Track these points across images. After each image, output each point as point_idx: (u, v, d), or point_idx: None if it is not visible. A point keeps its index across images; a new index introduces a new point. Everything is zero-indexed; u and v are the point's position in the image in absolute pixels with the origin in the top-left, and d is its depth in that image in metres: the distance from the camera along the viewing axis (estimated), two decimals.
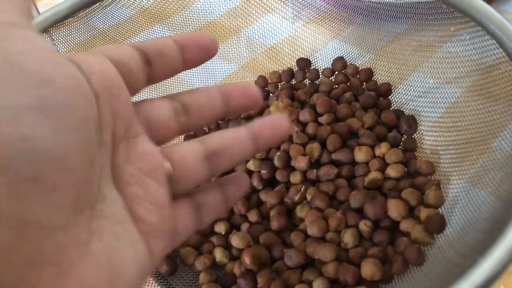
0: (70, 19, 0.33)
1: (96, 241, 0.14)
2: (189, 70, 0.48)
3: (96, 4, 0.35)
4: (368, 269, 0.26)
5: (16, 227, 0.11)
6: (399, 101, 0.38)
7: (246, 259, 0.29)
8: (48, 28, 0.32)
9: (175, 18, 0.50)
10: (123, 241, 0.15)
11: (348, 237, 0.28)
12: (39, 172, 0.12)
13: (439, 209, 0.29)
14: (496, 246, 0.16)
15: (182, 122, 0.19)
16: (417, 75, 0.37)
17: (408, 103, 0.38)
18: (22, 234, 0.11)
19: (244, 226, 0.33)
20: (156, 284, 0.32)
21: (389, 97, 0.39)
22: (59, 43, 0.35)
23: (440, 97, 0.35)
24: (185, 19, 0.50)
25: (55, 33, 0.34)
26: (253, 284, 0.29)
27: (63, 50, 0.36)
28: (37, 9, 0.40)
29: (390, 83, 0.39)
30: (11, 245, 0.11)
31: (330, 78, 0.42)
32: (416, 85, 0.38)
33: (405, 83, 0.38)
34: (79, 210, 0.13)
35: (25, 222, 0.11)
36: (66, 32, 0.36)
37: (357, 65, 0.41)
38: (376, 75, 0.40)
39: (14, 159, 0.11)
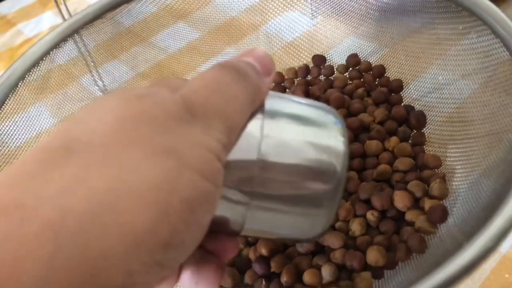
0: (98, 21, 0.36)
1: None
2: (208, 64, 0.50)
3: (122, 6, 0.37)
4: (373, 255, 0.28)
5: None
6: (411, 97, 0.40)
7: (263, 250, 0.31)
8: (78, 29, 0.35)
9: (196, 14, 0.52)
10: None
11: (355, 226, 0.30)
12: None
13: (444, 201, 0.30)
14: (481, 233, 0.18)
15: None
16: (429, 71, 0.38)
17: (420, 99, 0.39)
18: None
19: None
20: None
21: (402, 92, 0.40)
22: (88, 42, 0.38)
23: (451, 93, 0.36)
24: (206, 16, 0.52)
25: (85, 33, 0.36)
26: (267, 268, 0.31)
27: (92, 47, 0.39)
28: (68, 11, 0.43)
29: (403, 79, 0.40)
30: None
31: (345, 74, 0.43)
32: (428, 81, 0.39)
33: (418, 79, 0.40)
34: None
35: None
36: (94, 31, 0.38)
37: (371, 61, 0.43)
38: (389, 71, 0.42)
39: None
